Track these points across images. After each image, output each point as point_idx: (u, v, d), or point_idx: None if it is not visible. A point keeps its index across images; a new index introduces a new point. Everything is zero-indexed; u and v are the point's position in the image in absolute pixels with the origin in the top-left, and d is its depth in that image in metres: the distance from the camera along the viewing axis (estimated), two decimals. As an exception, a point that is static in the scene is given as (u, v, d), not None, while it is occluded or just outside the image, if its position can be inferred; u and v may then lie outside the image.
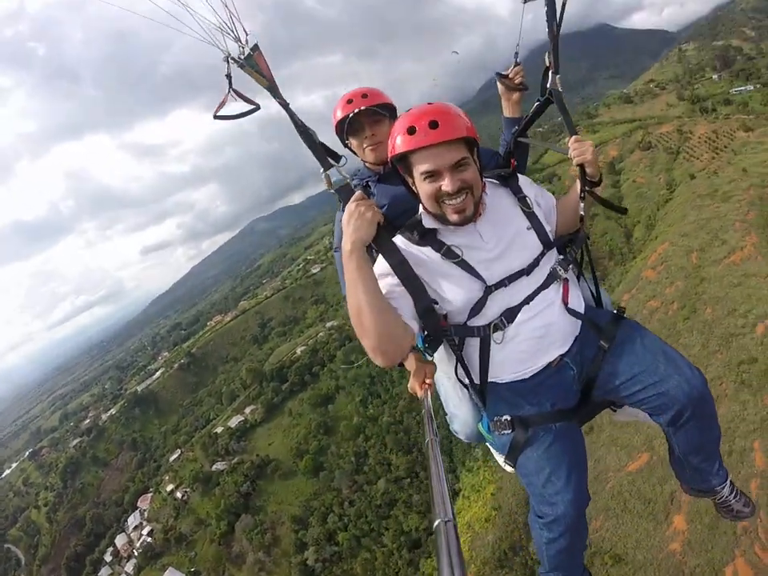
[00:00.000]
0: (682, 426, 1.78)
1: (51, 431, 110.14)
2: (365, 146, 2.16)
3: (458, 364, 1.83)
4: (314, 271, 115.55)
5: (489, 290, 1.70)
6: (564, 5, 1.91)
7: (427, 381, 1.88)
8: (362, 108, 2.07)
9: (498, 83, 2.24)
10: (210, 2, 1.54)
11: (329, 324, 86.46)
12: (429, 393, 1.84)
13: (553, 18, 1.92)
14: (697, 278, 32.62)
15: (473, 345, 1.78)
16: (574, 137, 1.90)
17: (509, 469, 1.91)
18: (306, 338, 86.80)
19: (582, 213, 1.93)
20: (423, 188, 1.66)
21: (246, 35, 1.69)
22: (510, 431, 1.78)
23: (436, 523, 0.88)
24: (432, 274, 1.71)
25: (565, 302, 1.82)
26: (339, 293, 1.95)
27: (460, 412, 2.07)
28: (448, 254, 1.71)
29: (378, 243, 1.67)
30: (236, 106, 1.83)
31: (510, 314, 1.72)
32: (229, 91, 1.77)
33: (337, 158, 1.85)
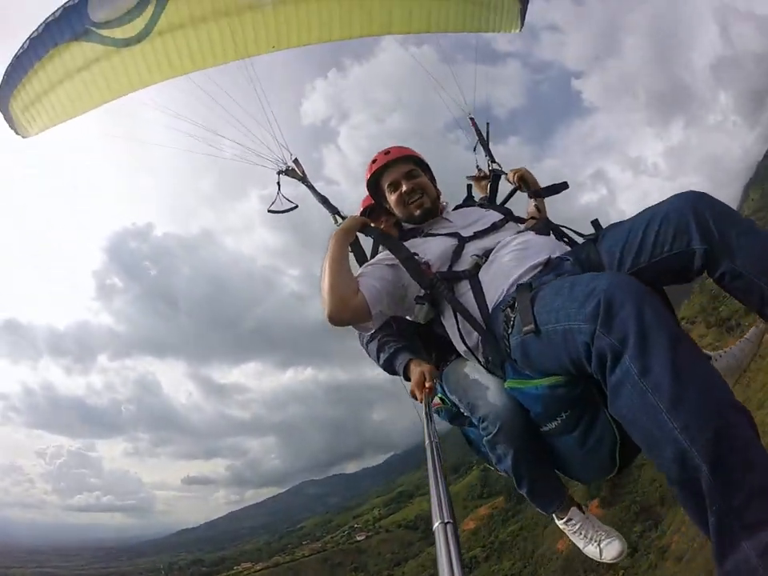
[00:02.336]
0: (712, 231, 1.43)
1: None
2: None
3: (458, 319, 1.85)
4: (359, 539, 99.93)
5: (463, 240, 2.05)
6: (488, 125, 2.92)
7: (427, 384, 1.92)
8: None
9: (470, 181, 2.89)
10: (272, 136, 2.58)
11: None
12: (429, 396, 1.86)
13: (483, 136, 2.90)
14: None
15: (464, 290, 1.90)
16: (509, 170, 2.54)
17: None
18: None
19: (536, 207, 2.45)
20: (392, 198, 2.28)
21: (291, 154, 2.64)
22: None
23: (435, 525, 0.87)
24: (418, 245, 2.10)
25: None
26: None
27: (482, 388, 1.87)
28: (427, 233, 2.20)
29: (382, 238, 2.17)
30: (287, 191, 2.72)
31: (488, 253, 1.98)
32: (278, 193, 2.63)
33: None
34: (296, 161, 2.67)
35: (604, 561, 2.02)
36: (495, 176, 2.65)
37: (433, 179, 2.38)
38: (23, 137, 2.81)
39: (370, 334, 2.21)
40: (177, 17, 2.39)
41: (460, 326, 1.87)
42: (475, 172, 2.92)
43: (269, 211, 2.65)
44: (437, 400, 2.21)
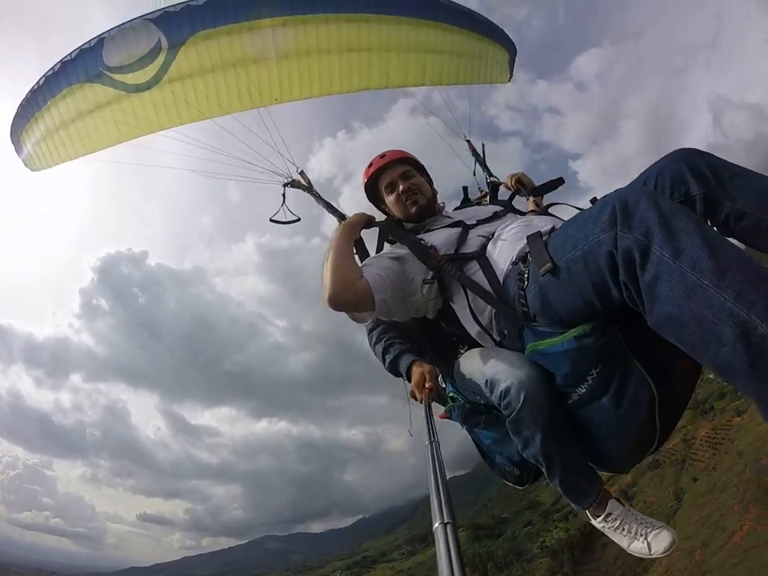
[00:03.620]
0: (707, 176, 1.41)
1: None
2: None
3: (469, 297, 1.81)
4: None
5: (467, 227, 2.06)
6: (483, 145, 3.04)
7: (427, 385, 1.90)
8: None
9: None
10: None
11: None
12: (429, 396, 1.85)
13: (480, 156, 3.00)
14: (699, 574, 33.29)
15: (473, 269, 1.85)
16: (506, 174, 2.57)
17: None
18: None
19: (534, 203, 2.47)
20: (389, 199, 2.33)
21: (297, 167, 2.70)
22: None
23: (435, 526, 0.86)
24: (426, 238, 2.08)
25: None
26: None
27: (502, 362, 1.71)
28: (428, 229, 2.20)
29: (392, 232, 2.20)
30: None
31: (492, 235, 1.97)
32: (282, 204, 2.65)
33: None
34: (302, 173, 2.74)
35: (654, 556, 1.75)
36: (494, 186, 2.73)
37: (430, 181, 2.44)
38: (31, 170, 2.93)
39: (377, 336, 2.22)
40: (186, 66, 2.54)
41: (471, 304, 1.81)
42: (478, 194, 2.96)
43: (271, 221, 2.69)
44: (442, 405, 2.09)
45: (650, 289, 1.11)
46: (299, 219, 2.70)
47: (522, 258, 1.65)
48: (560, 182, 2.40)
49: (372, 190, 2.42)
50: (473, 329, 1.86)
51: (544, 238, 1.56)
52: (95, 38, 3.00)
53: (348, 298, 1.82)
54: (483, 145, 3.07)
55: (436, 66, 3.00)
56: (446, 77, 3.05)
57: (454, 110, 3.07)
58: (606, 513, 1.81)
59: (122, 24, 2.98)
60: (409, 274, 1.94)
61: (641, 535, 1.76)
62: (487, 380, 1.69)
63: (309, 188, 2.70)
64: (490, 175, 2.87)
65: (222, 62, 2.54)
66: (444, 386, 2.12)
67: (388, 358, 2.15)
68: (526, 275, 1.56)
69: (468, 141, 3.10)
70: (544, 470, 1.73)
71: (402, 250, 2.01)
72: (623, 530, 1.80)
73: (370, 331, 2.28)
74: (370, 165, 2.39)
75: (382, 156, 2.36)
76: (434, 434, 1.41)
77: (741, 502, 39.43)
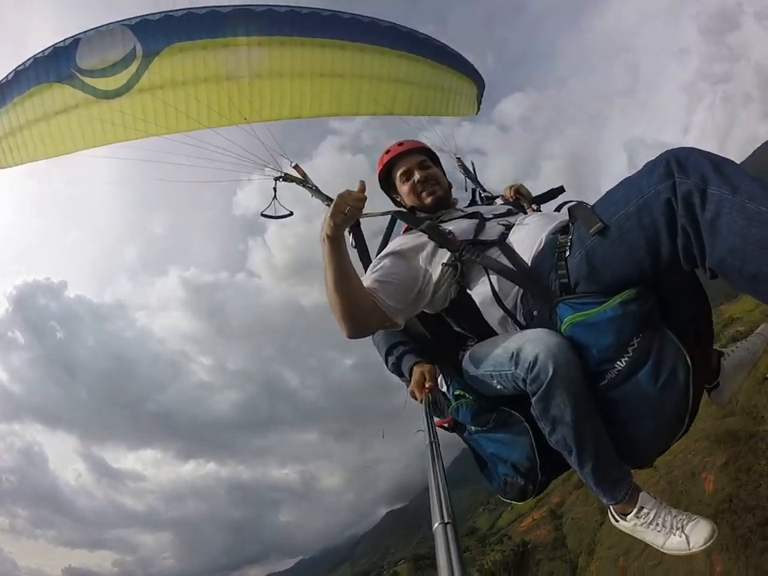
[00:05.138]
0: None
1: None
2: None
3: (492, 281, 1.74)
4: None
5: (484, 219, 2.02)
6: (473, 163, 3.08)
7: (427, 384, 1.89)
8: None
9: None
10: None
11: None
12: (429, 397, 1.86)
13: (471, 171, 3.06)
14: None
15: (495, 254, 1.78)
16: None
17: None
18: None
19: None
20: (404, 189, 2.30)
21: (290, 161, 2.60)
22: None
23: (435, 526, 0.86)
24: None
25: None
26: None
27: (529, 333, 1.62)
28: (442, 221, 2.12)
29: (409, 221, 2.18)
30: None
31: (511, 225, 1.92)
32: (274, 198, 2.56)
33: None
34: (296, 166, 2.61)
35: (693, 550, 1.57)
36: (490, 200, 2.75)
37: (444, 174, 2.42)
38: (-8, 167, 2.89)
39: (381, 336, 2.17)
40: (159, 77, 2.57)
41: (496, 287, 1.72)
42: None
43: (262, 215, 2.57)
44: (438, 414, 2.03)
45: (712, 225, 1.17)
46: (292, 213, 2.61)
47: (560, 230, 1.62)
48: (560, 190, 2.40)
49: (386, 178, 2.38)
50: (494, 315, 1.77)
51: (588, 205, 1.53)
52: (71, 37, 2.98)
53: (368, 332, 1.79)
54: (473, 162, 3.13)
55: (406, 96, 3.12)
56: (416, 107, 3.17)
57: (435, 128, 3.15)
58: (637, 507, 1.64)
59: (100, 27, 2.99)
60: (419, 268, 1.88)
61: (677, 529, 1.59)
62: (513, 352, 1.56)
63: (304, 181, 2.58)
64: (484, 191, 2.95)
65: (194, 77, 2.59)
66: (447, 387, 2.00)
67: (391, 359, 2.13)
68: (569, 243, 1.51)
69: (458, 158, 3.13)
70: (573, 456, 1.56)
71: (412, 241, 1.95)
72: (657, 525, 1.62)
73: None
74: (387, 151, 2.36)
75: (400, 144, 2.35)
76: (433, 434, 1.41)
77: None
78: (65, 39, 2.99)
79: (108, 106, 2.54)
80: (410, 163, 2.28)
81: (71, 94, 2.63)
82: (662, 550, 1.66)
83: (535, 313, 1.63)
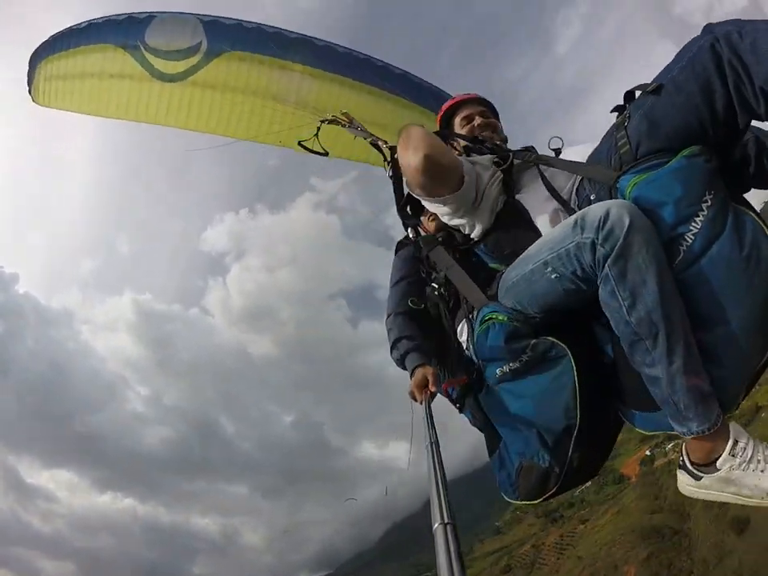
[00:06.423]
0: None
1: None
2: None
3: (545, 179, 1.78)
4: None
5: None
6: None
7: (430, 387, 1.85)
8: None
9: None
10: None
11: None
12: (428, 398, 1.83)
13: None
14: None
15: (547, 156, 1.89)
16: None
17: None
18: None
19: None
20: (462, 132, 2.35)
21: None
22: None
23: (435, 526, 0.86)
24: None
25: None
26: None
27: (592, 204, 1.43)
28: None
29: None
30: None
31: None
32: (315, 135, 2.78)
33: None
34: (346, 113, 2.78)
35: None
36: None
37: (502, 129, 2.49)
38: (33, 100, 3.03)
39: (392, 324, 2.17)
40: (214, 77, 2.78)
41: (549, 180, 1.76)
42: None
43: (299, 144, 2.80)
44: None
45: (753, 48, 1.21)
46: (327, 154, 2.85)
47: (616, 126, 1.52)
48: None
49: (446, 121, 2.47)
50: (548, 210, 1.71)
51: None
52: (147, 12, 3.20)
53: (444, 161, 1.76)
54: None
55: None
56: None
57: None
58: (732, 440, 1.28)
59: (176, 12, 3.21)
60: (479, 173, 1.89)
61: None
62: (575, 220, 1.35)
63: (350, 123, 2.76)
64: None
65: (245, 87, 2.80)
66: (470, 330, 1.73)
67: (396, 352, 2.13)
68: (627, 115, 1.46)
69: None
70: (660, 341, 1.25)
71: (473, 159, 1.99)
72: (758, 462, 1.24)
73: (389, 315, 2.22)
74: (453, 97, 2.52)
75: (466, 93, 2.50)
76: (433, 435, 1.42)
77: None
78: (141, 12, 3.20)
79: (159, 87, 2.72)
80: (472, 110, 2.40)
81: (131, 64, 2.82)
82: (761, 503, 1.28)
83: (593, 197, 1.53)
